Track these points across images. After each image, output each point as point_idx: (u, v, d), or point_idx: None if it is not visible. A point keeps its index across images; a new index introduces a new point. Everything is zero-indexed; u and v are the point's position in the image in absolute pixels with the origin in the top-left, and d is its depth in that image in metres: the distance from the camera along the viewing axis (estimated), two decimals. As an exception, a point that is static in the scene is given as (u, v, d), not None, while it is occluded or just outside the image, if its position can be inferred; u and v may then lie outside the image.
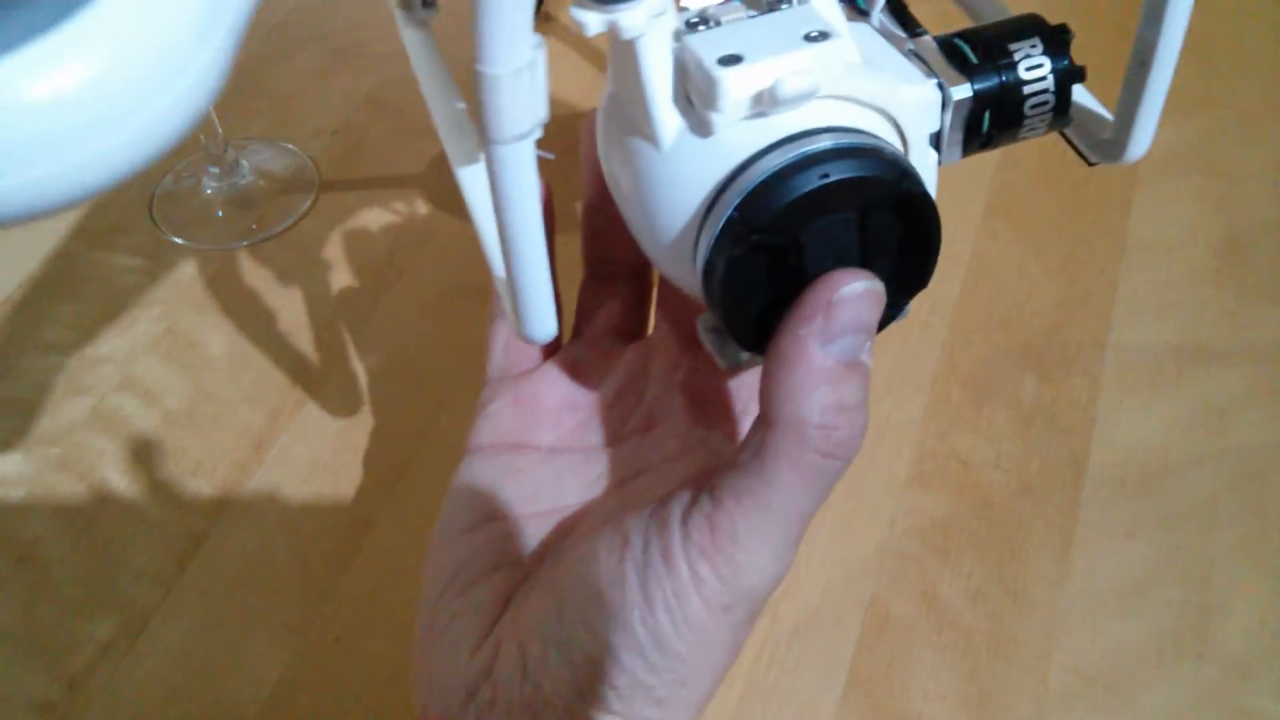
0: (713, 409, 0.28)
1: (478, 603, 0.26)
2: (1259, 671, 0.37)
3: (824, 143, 0.21)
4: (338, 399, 0.45)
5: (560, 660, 0.23)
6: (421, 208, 0.53)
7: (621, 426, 0.29)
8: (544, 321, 0.24)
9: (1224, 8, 0.62)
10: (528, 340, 0.24)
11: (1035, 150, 0.55)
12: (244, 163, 0.54)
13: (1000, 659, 0.37)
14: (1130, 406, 0.44)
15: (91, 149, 0.17)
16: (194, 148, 0.55)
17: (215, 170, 0.53)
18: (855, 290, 0.21)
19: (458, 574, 0.27)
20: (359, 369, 0.46)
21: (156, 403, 0.45)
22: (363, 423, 0.44)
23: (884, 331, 0.49)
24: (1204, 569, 0.39)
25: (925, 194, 0.22)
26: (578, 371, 0.30)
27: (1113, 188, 0.53)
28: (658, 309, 0.31)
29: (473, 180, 0.26)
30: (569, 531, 0.27)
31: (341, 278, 0.50)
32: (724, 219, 0.21)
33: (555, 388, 0.29)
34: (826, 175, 0.21)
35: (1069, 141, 0.29)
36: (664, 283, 0.31)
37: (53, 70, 0.16)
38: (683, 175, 0.23)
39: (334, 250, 0.51)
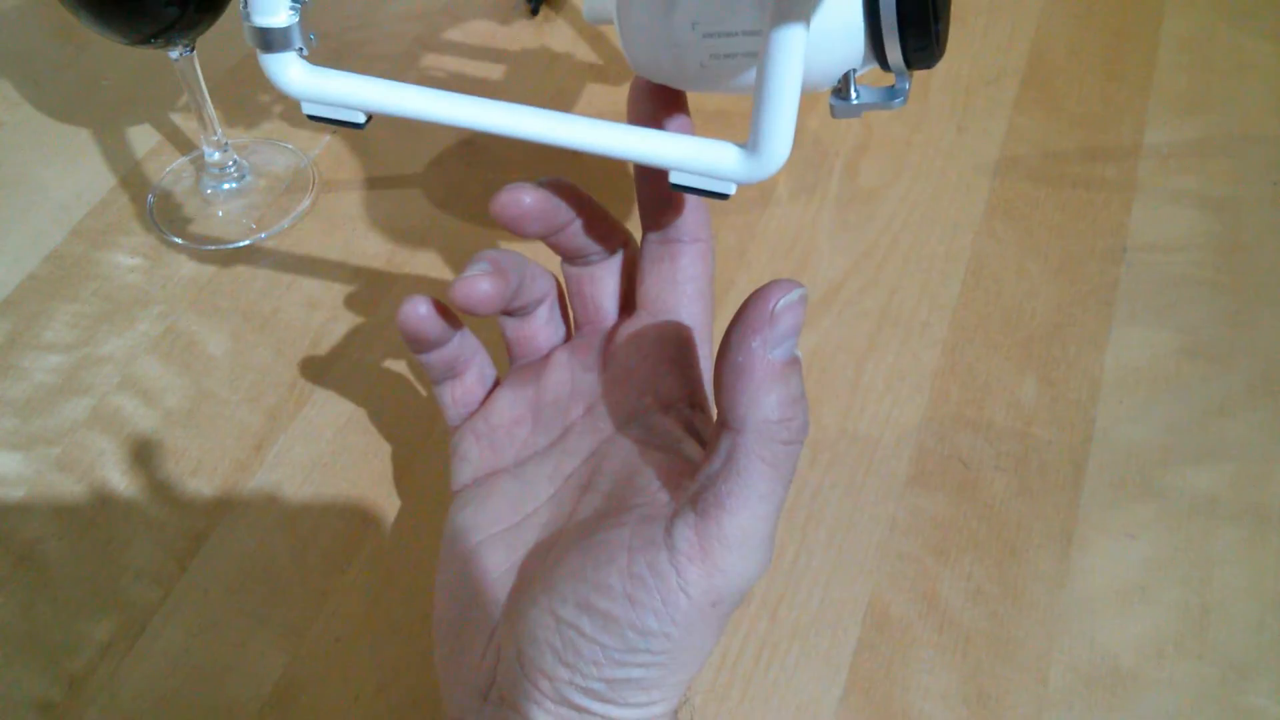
0: (637, 379, 0.32)
1: (477, 615, 0.29)
2: (1259, 671, 0.37)
3: None
4: (338, 399, 0.45)
5: (554, 661, 0.26)
6: (422, 208, 0.53)
7: (563, 420, 0.32)
8: None
9: (1224, 8, 0.62)
10: None
11: (1035, 150, 0.55)
12: (244, 163, 0.54)
13: (1000, 659, 0.37)
14: (1130, 406, 0.44)
15: None
16: (194, 148, 0.55)
17: (215, 170, 0.53)
18: (791, 299, 0.24)
19: (458, 593, 0.30)
20: (359, 369, 0.46)
21: (156, 403, 0.45)
22: (363, 423, 0.44)
23: (884, 330, 0.49)
24: (1204, 569, 0.39)
25: None
26: (515, 389, 0.34)
27: (1113, 188, 0.53)
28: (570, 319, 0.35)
29: None
30: (552, 538, 0.30)
31: (341, 278, 0.50)
32: None
33: (501, 412, 0.33)
34: None
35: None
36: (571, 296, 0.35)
37: None
38: None
39: (334, 250, 0.51)
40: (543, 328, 0.34)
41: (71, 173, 0.55)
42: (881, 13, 0.30)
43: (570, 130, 0.30)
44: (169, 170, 0.55)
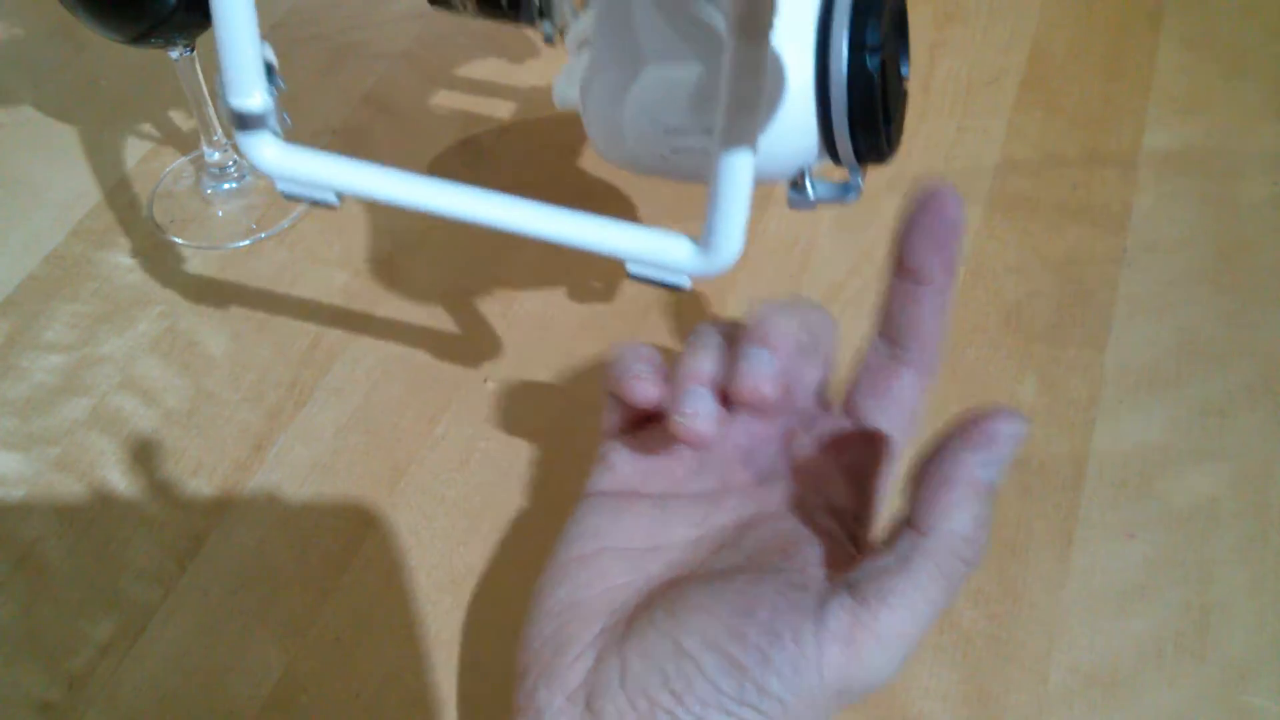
0: (813, 475, 0.31)
1: (584, 614, 0.29)
2: (1259, 671, 0.37)
3: None
4: (337, 399, 0.45)
5: (660, 685, 0.25)
6: (421, 208, 0.53)
7: (724, 478, 0.32)
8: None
9: (1224, 8, 0.62)
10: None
11: (1035, 150, 0.55)
12: (244, 163, 0.54)
13: (1000, 659, 0.37)
14: (1130, 406, 0.44)
15: None
16: (194, 148, 0.55)
17: (215, 170, 0.53)
18: (1017, 430, 0.25)
19: (570, 587, 0.29)
20: (359, 369, 0.46)
21: (156, 403, 0.45)
22: (363, 423, 0.44)
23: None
24: (1204, 569, 0.39)
25: None
26: None
27: (1113, 188, 0.53)
28: None
29: None
30: (680, 576, 0.29)
31: (341, 278, 0.50)
32: None
33: (665, 442, 0.32)
34: None
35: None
36: None
37: None
38: None
39: (334, 250, 0.51)
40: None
41: (71, 173, 0.55)
42: (833, 113, 0.31)
43: (530, 218, 0.30)
44: (169, 170, 0.55)
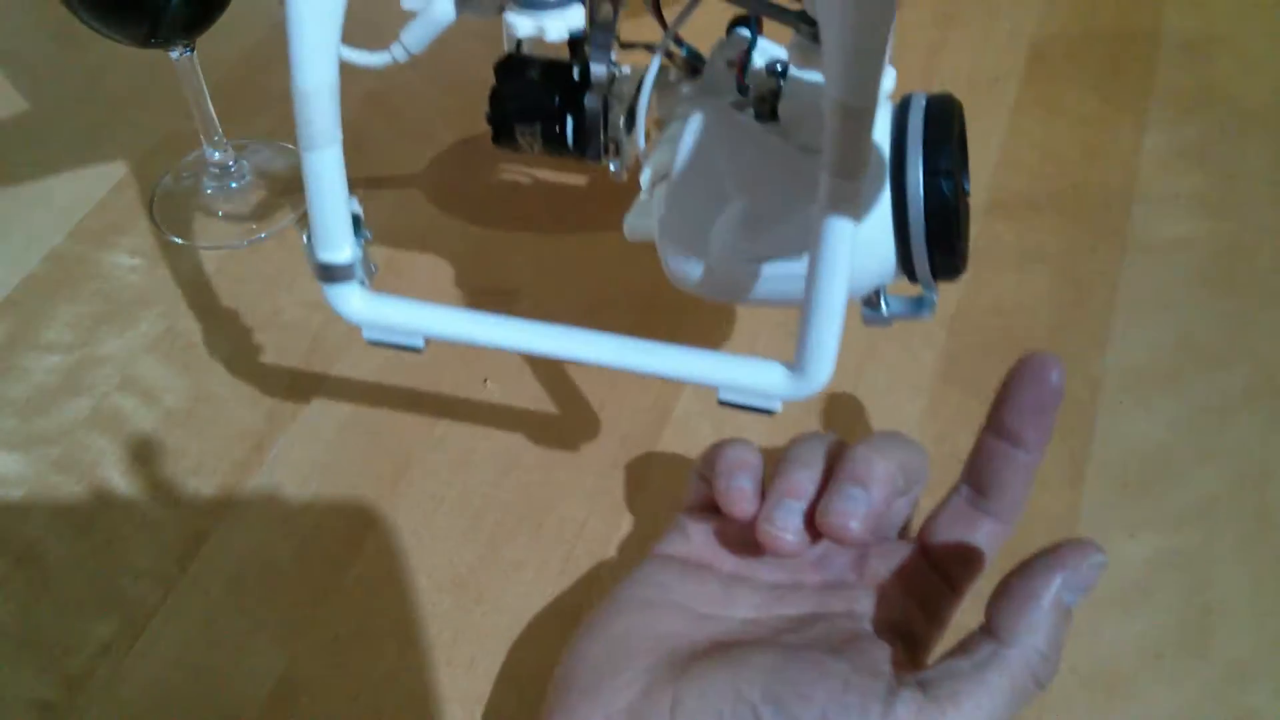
0: (881, 594, 0.32)
1: (638, 645, 0.29)
2: (1259, 671, 0.37)
3: None
4: (338, 399, 0.45)
5: None
6: (421, 208, 0.53)
7: (795, 576, 0.32)
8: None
9: (1224, 8, 0.62)
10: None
11: (1035, 150, 0.55)
12: (244, 163, 0.54)
13: (1000, 659, 0.37)
14: (1130, 406, 0.44)
15: None
16: (194, 148, 0.55)
17: (215, 170, 0.53)
18: (1102, 560, 0.26)
19: (624, 626, 0.30)
20: (359, 369, 0.46)
21: (156, 403, 0.45)
22: (363, 423, 0.44)
23: (885, 331, 0.49)
24: (1204, 569, 0.39)
25: None
26: None
27: (1113, 188, 0.53)
28: None
29: None
30: (742, 640, 0.30)
31: (341, 278, 0.49)
32: None
33: (745, 529, 0.32)
34: None
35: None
36: None
37: None
38: None
39: (334, 250, 0.51)
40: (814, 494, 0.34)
41: (72, 172, 0.55)
42: (911, 237, 0.32)
43: (623, 353, 0.31)
44: (169, 170, 0.55)
